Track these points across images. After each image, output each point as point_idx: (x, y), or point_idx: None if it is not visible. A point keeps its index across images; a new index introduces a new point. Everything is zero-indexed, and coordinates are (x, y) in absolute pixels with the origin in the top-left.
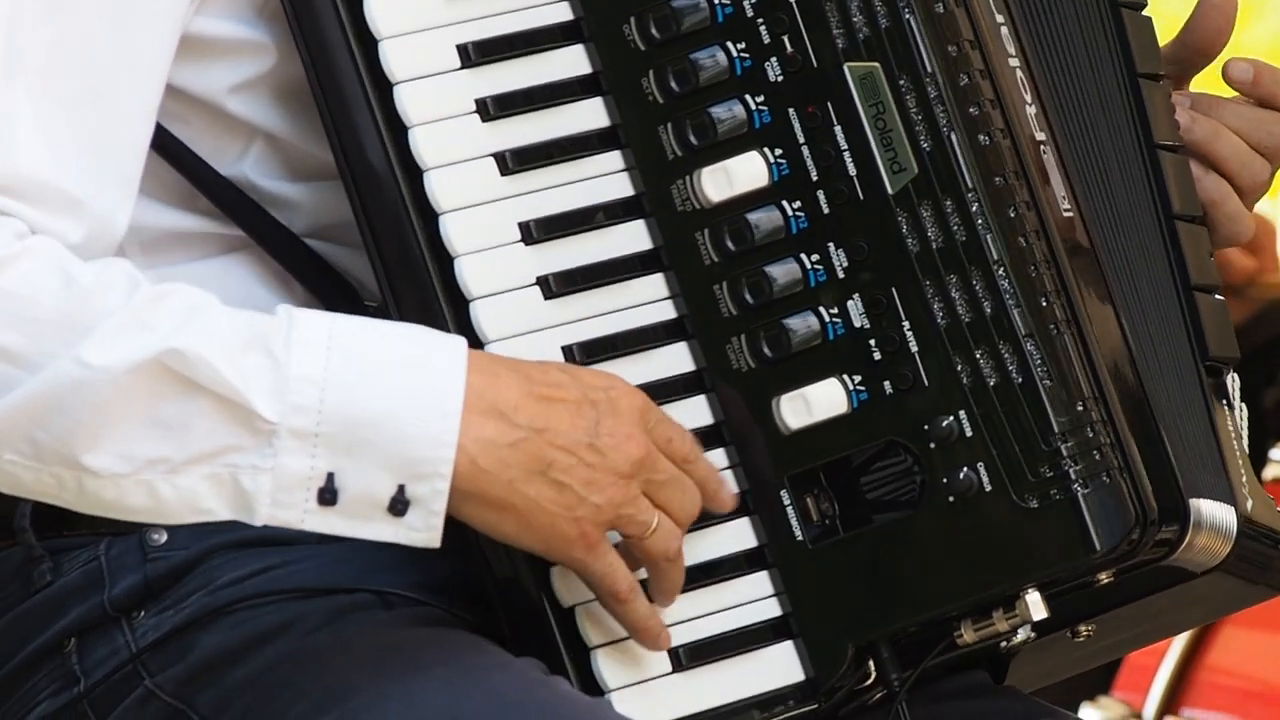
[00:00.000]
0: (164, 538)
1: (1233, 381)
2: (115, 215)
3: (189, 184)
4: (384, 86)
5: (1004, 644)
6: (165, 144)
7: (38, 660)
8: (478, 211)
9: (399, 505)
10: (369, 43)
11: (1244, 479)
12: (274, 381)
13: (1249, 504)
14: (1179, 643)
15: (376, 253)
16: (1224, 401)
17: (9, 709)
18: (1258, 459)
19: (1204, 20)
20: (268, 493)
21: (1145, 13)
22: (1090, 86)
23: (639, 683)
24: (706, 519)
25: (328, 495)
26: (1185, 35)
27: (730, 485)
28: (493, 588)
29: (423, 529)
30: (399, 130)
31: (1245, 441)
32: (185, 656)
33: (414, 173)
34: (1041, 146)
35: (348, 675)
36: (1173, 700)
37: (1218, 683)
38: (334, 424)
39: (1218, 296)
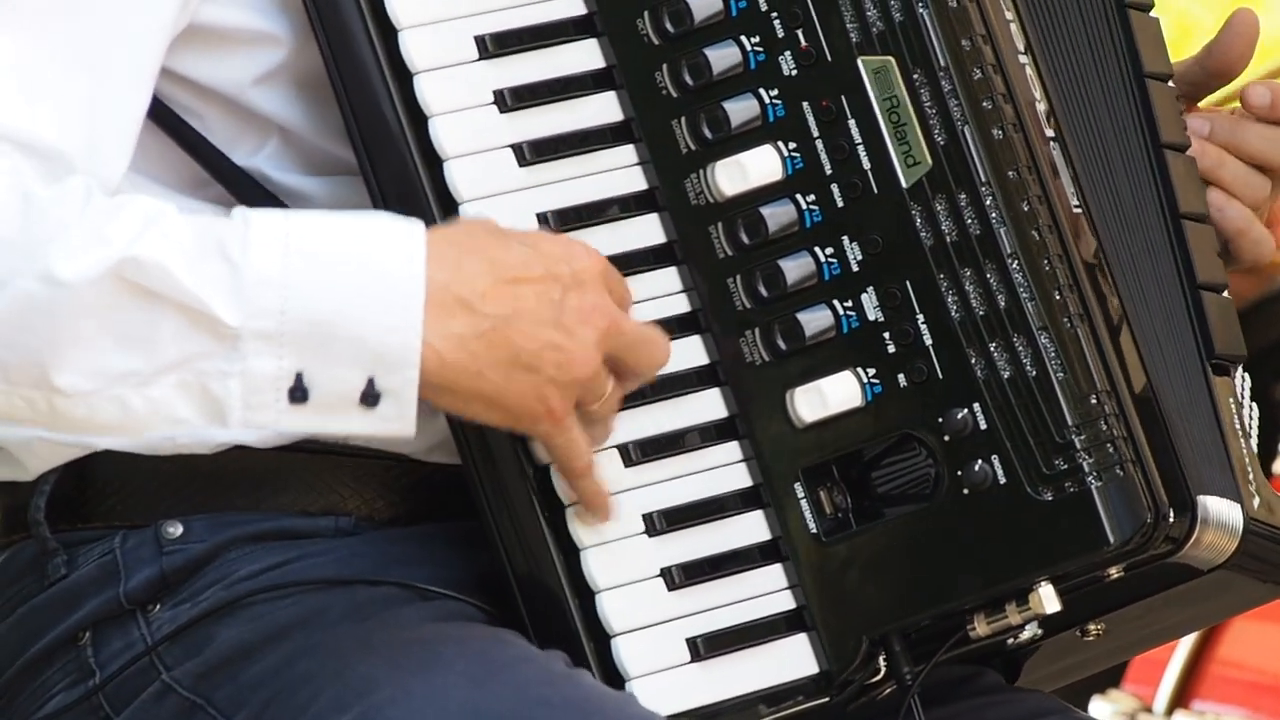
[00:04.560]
0: (179, 530)
1: (1242, 381)
2: (106, 181)
3: (202, 171)
4: (404, 76)
5: (1011, 640)
6: (181, 132)
7: (52, 653)
8: (497, 201)
9: (370, 398)
10: (389, 32)
11: (1250, 476)
12: (233, 286)
13: (1255, 501)
14: (1189, 636)
15: None
16: (1231, 399)
17: (24, 702)
18: (1267, 453)
19: (1227, 43)
20: (238, 396)
21: (1153, 14)
22: (1095, 85)
23: (658, 671)
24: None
25: (298, 394)
26: (1206, 57)
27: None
28: (511, 577)
29: (396, 419)
30: (419, 120)
31: (1254, 441)
32: (202, 650)
33: (434, 162)
34: (1051, 144)
35: (369, 670)
36: (1183, 693)
37: (1228, 676)
38: (298, 324)
39: (1224, 295)
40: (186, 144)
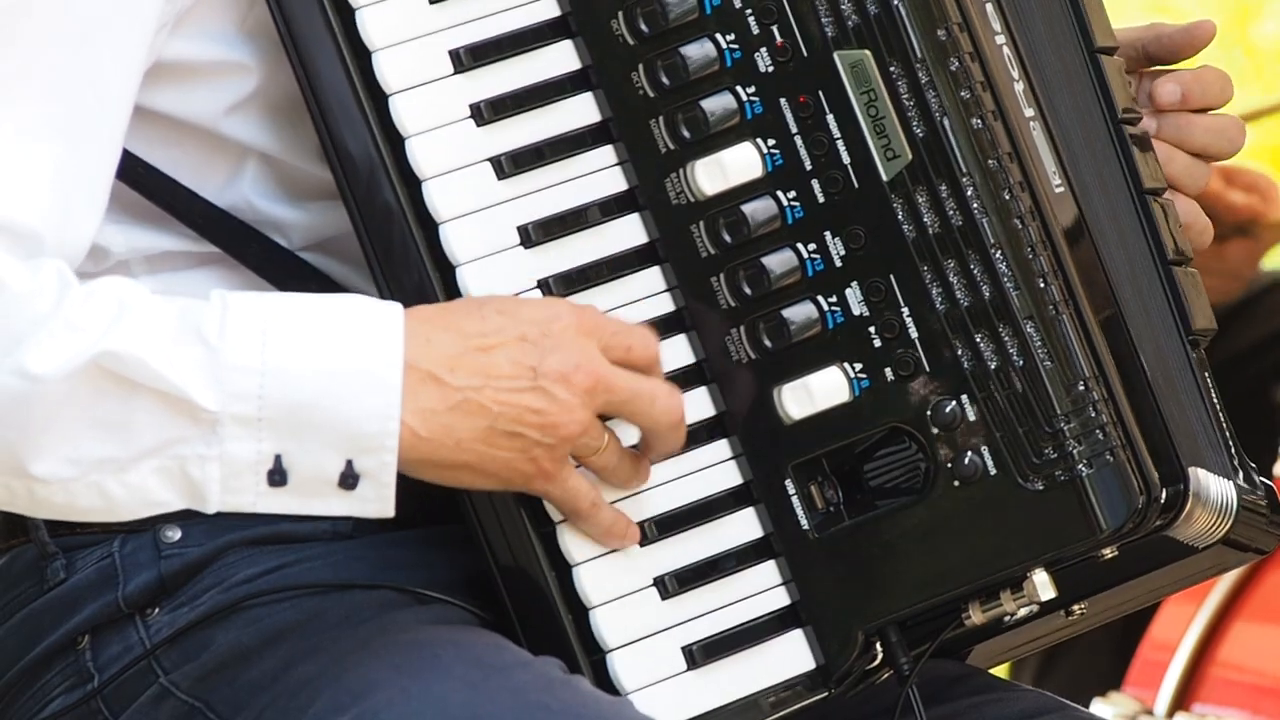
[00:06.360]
0: (177, 535)
1: None
2: (78, 246)
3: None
4: (379, 97)
5: (1008, 618)
6: (137, 175)
7: (51, 657)
8: (477, 218)
9: (349, 480)
10: (362, 55)
11: (1234, 449)
12: (211, 372)
13: (1240, 475)
14: (1190, 638)
15: (378, 266)
16: (1207, 374)
17: (22, 706)
18: (1268, 453)
19: (1180, 43)
20: (217, 480)
21: None
22: (1056, 63)
23: (654, 683)
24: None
25: (277, 477)
26: (1151, 42)
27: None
28: (505, 595)
29: (374, 500)
30: (396, 141)
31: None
32: (200, 654)
33: (412, 183)
34: (1031, 123)
35: (367, 672)
36: (1184, 695)
37: (1229, 678)
38: (276, 409)
39: (1190, 269)
40: (144, 188)
